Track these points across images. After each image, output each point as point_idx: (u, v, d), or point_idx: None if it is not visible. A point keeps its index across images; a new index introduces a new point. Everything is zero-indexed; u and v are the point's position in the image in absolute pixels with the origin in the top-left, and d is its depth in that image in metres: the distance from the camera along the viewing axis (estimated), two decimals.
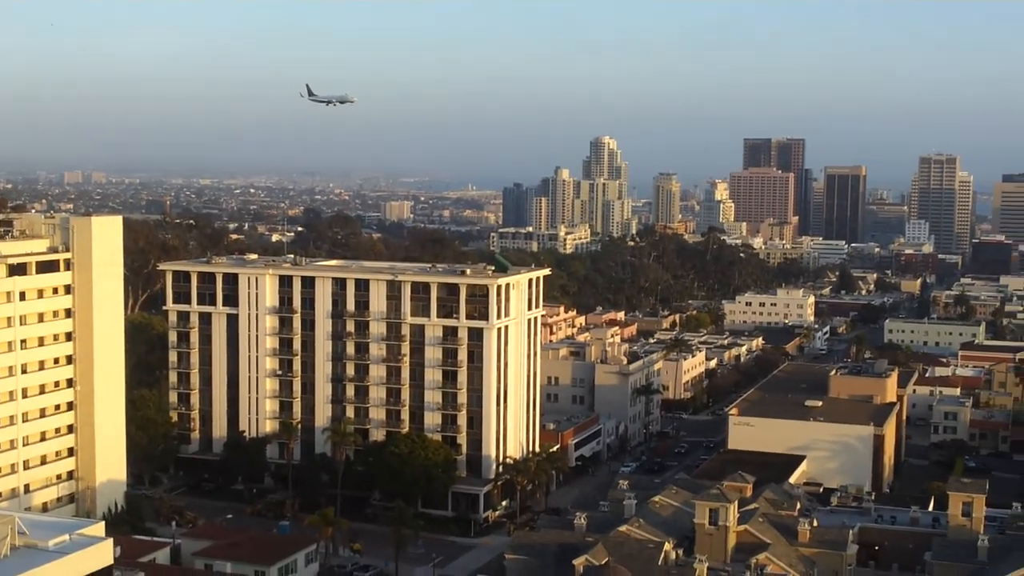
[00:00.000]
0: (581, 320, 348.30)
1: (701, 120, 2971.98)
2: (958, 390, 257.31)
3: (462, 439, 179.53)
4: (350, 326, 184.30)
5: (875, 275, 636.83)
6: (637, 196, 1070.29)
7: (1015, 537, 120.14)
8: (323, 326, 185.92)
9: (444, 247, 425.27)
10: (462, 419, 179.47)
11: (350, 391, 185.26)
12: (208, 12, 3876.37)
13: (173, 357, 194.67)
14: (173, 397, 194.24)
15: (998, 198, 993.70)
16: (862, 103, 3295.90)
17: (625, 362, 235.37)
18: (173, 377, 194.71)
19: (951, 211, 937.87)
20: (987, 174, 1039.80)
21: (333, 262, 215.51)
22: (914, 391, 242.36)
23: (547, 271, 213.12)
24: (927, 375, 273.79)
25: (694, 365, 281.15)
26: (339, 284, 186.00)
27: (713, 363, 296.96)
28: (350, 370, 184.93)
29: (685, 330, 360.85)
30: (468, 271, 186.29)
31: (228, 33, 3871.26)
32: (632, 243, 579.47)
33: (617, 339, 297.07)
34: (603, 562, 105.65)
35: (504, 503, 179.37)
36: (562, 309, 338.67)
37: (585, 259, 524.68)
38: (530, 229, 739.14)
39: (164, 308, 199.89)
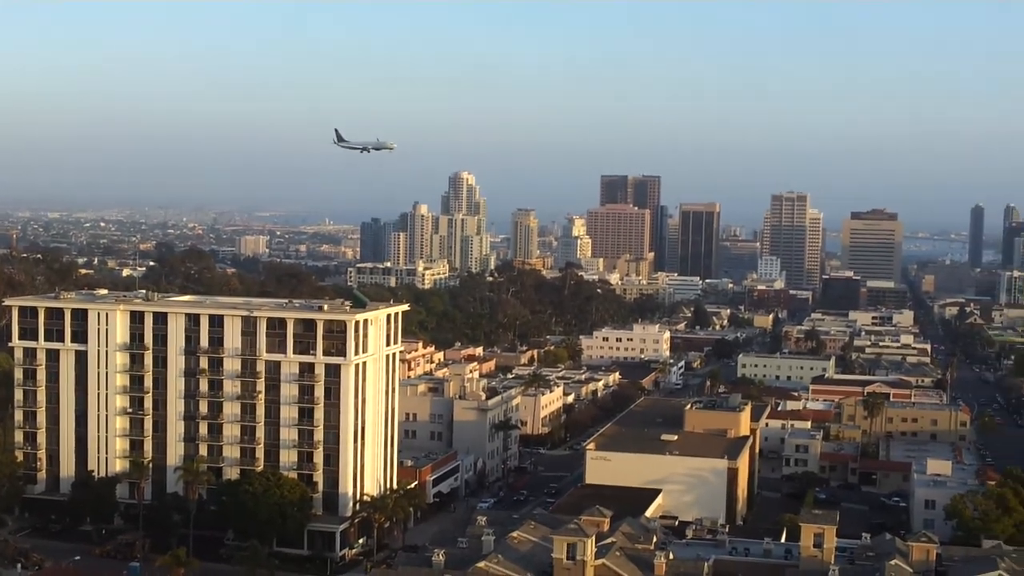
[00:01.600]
0: (439, 356, 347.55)
1: (559, 157, 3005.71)
2: (809, 423, 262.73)
3: (318, 476, 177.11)
4: (204, 362, 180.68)
5: (729, 310, 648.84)
6: (495, 232, 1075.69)
7: (864, 567, 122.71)
8: (176, 363, 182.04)
9: (301, 282, 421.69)
10: (318, 456, 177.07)
11: (203, 429, 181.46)
12: (57, 37, 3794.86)
13: (19, 395, 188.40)
14: (19, 436, 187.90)
15: (847, 235, 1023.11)
16: (716, 142, 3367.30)
17: (483, 398, 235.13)
18: (19, 415, 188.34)
19: (802, 248, 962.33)
20: (836, 212, 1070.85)
21: (186, 297, 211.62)
22: (767, 424, 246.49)
23: (405, 307, 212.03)
24: (779, 409, 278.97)
25: (552, 400, 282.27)
26: (192, 320, 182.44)
27: (571, 398, 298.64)
28: (203, 407, 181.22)
29: (543, 365, 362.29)
30: (325, 307, 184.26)
31: (75, 59, 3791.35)
32: (491, 278, 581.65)
33: (475, 375, 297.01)
34: None
35: (361, 541, 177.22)
36: (420, 345, 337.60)
37: (444, 294, 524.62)
38: (388, 264, 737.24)
39: (10, 345, 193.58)
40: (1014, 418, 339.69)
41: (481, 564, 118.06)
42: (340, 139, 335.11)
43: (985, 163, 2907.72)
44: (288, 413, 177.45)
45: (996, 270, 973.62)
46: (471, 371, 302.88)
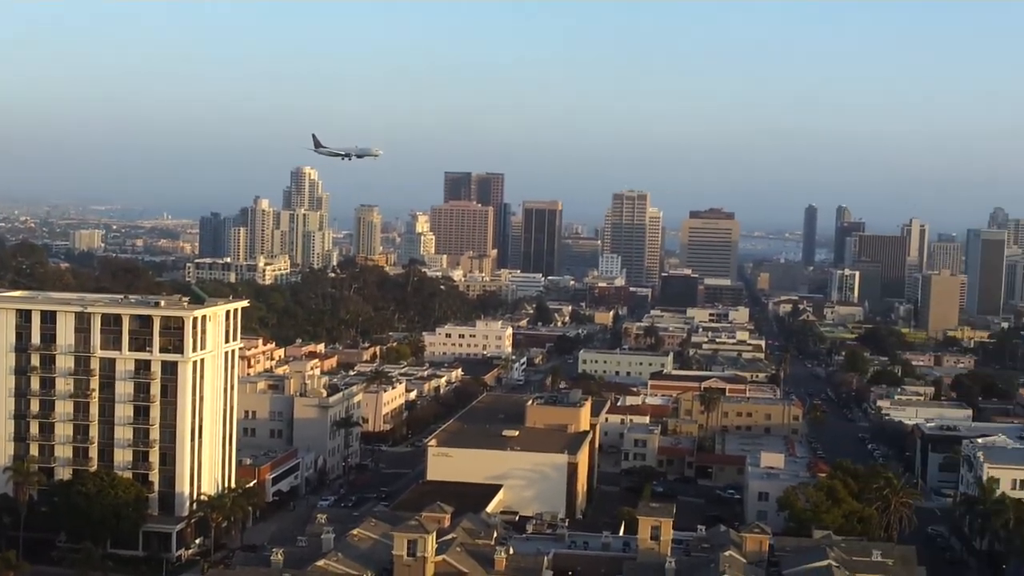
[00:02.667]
0: (280, 353, 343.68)
1: (403, 153, 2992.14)
2: (647, 418, 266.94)
3: (154, 476, 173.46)
4: (35, 360, 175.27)
5: (570, 307, 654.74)
6: (338, 227, 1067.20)
7: (700, 558, 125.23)
8: (5, 360, 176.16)
9: (137, 278, 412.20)
10: (154, 456, 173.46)
11: (34, 428, 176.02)
12: None
13: None
14: None
15: (685, 234, 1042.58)
16: (559, 140, 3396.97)
17: (324, 395, 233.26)
18: None
19: (642, 245, 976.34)
20: (676, 211, 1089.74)
21: (17, 293, 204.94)
22: (606, 420, 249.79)
23: (245, 303, 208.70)
24: (619, 404, 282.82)
25: (394, 397, 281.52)
26: (23, 316, 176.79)
27: (413, 395, 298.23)
28: (35, 406, 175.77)
29: (385, 362, 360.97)
30: (162, 302, 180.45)
31: None
32: (333, 275, 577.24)
33: (317, 372, 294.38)
34: None
35: (198, 541, 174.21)
36: (261, 341, 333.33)
37: (285, 291, 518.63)
38: (228, 260, 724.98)
39: None
40: (844, 412, 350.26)
41: (320, 563, 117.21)
42: (319, 145, 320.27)
43: (819, 164, 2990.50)
44: (123, 411, 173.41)
45: (828, 268, 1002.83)
46: (312, 368, 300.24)
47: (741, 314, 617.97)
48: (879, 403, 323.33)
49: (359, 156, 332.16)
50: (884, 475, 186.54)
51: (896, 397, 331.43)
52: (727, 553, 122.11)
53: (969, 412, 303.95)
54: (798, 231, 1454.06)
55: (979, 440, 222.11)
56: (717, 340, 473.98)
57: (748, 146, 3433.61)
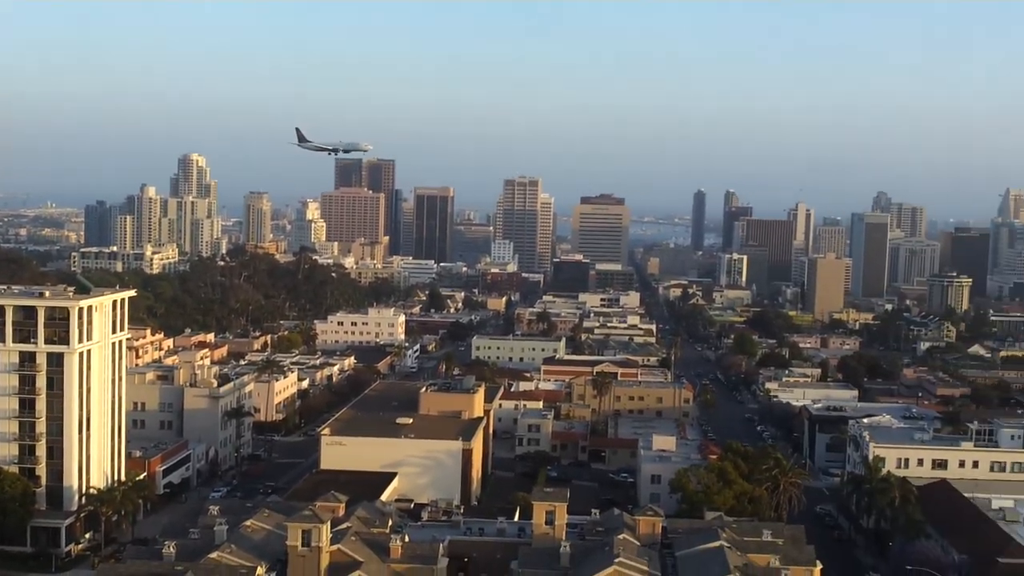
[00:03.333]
0: (169, 343, 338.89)
1: (293, 140, 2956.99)
2: (541, 403, 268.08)
3: (41, 470, 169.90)
4: None
5: (463, 293, 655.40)
6: (227, 215, 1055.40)
7: (594, 542, 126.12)
8: None
9: (21, 267, 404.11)
10: (41, 449, 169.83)
11: None
12: None
13: None
14: None
15: (577, 219, 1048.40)
16: (450, 126, 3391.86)
17: (215, 385, 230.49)
18: None
19: (534, 231, 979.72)
20: (567, 197, 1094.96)
21: None
22: (500, 405, 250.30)
23: (133, 292, 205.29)
24: (512, 390, 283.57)
25: (286, 386, 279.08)
26: None
27: (305, 383, 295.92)
28: None
29: (277, 351, 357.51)
30: (47, 293, 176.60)
31: None
32: (222, 263, 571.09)
33: (207, 362, 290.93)
34: None
35: (88, 535, 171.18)
36: (149, 332, 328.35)
37: (173, 280, 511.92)
38: (114, 249, 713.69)
39: None
40: (733, 394, 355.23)
41: (214, 555, 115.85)
42: (303, 139, 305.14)
43: (708, 150, 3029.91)
44: (8, 404, 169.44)
45: (717, 253, 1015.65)
46: (202, 358, 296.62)
47: (632, 299, 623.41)
48: (767, 385, 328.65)
49: (346, 151, 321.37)
50: (773, 456, 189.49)
51: (784, 379, 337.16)
52: (621, 536, 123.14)
53: (855, 393, 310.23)
54: (687, 216, 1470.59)
55: (865, 420, 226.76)
56: (609, 325, 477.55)
57: (638, 132, 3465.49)
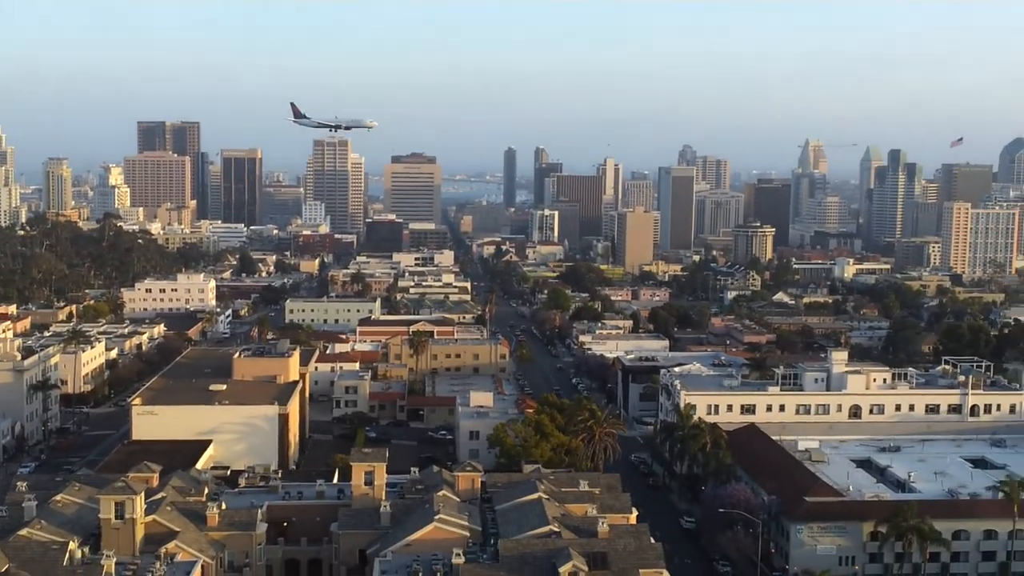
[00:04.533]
0: None
1: (92, 103, 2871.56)
2: (357, 365, 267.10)
3: None
4: None
5: (275, 257, 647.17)
6: (26, 183, 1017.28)
7: (414, 500, 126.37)
8: None
9: None
10: None
11: None
12: None
13: None
14: None
15: (388, 179, 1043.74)
16: (257, 86, 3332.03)
17: (18, 358, 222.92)
18: None
19: (345, 192, 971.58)
20: (378, 156, 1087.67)
21: None
22: (316, 368, 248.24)
23: None
24: (328, 352, 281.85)
25: (94, 357, 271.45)
26: None
27: (114, 353, 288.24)
28: None
29: (83, 321, 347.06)
30: None
31: None
32: (22, 232, 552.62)
33: (9, 334, 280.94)
34: (3, 569, 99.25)
35: None
36: None
37: None
38: None
39: None
40: (548, 349, 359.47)
41: (23, 532, 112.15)
42: (299, 115, 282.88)
43: (517, 107, 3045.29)
44: None
45: (529, 210, 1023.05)
46: (4, 330, 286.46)
47: (446, 257, 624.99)
48: (581, 338, 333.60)
49: (347, 128, 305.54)
50: (588, 407, 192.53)
51: (597, 332, 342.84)
52: (440, 493, 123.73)
53: (666, 343, 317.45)
54: (499, 173, 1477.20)
55: (675, 369, 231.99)
56: (424, 284, 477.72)
57: (448, 90, 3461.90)
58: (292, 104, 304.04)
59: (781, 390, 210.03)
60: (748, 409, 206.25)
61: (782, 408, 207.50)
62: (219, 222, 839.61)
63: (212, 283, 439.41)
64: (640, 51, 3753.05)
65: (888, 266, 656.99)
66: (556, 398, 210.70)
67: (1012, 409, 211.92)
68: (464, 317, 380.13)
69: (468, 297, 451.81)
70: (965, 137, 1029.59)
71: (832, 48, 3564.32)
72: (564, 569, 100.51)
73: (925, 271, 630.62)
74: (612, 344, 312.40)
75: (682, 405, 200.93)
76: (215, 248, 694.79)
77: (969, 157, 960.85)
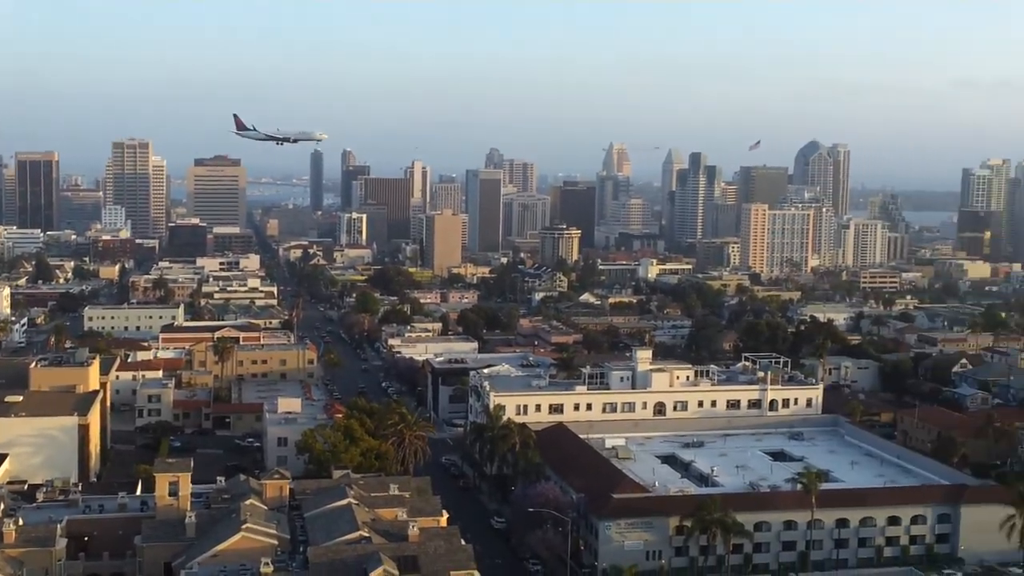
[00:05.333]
0: None
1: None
2: (160, 372, 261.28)
3: None
4: None
5: (73, 263, 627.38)
6: None
7: (220, 510, 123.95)
8: None
9: None
10: None
11: None
12: None
13: None
14: None
15: (191, 182, 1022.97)
16: (56, 88, 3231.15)
17: None
18: None
19: (146, 196, 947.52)
20: (180, 159, 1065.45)
21: None
22: (117, 377, 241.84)
23: None
24: (129, 360, 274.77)
25: None
26: None
27: None
28: None
29: None
30: None
31: None
32: None
33: None
34: None
35: None
36: None
37: None
38: None
39: None
40: (358, 353, 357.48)
41: None
42: (242, 127, 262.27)
43: (324, 110, 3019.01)
44: None
45: (336, 212, 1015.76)
46: None
47: (252, 261, 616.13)
48: (391, 341, 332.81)
49: (294, 141, 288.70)
50: (398, 411, 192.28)
51: (406, 335, 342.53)
52: (248, 502, 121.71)
53: (475, 345, 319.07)
54: (305, 176, 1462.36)
55: (485, 371, 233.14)
56: (229, 289, 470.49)
57: (253, 92, 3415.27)
58: (235, 116, 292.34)
59: (588, 389, 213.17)
60: (556, 409, 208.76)
61: (589, 407, 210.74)
62: (14, 227, 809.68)
63: (7, 291, 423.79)
64: (447, 53, 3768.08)
65: (690, 266, 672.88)
66: (365, 402, 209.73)
67: (809, 403, 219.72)
68: (271, 322, 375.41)
69: (275, 302, 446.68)
70: (763, 141, 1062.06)
71: (635, 54, 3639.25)
72: (375, 574, 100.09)
73: (725, 271, 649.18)
74: (421, 347, 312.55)
75: (491, 406, 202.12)
76: (10, 255, 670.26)
77: (766, 160, 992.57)
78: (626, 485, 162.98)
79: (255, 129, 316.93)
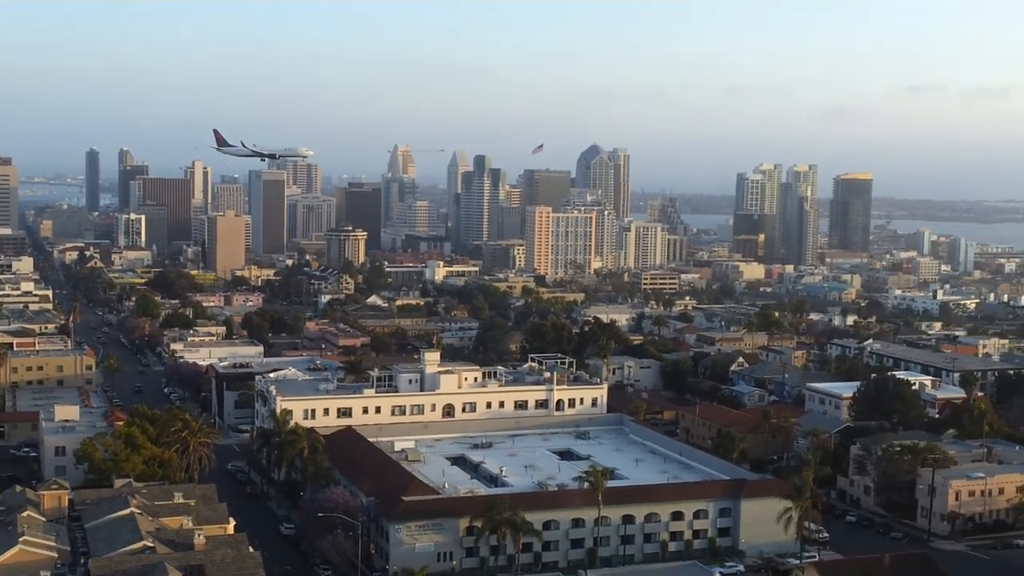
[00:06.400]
0: None
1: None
2: None
3: None
4: None
5: None
6: None
7: None
8: None
9: None
10: None
11: None
12: None
13: None
14: None
15: None
16: None
17: None
18: None
19: None
20: None
21: None
22: None
23: None
24: None
25: None
26: None
27: None
28: None
29: None
30: None
31: None
32: None
33: None
34: None
35: None
36: None
37: None
38: None
39: None
40: (138, 358, 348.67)
41: None
42: (223, 143, 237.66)
43: (98, 107, 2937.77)
44: None
45: (114, 213, 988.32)
46: None
47: (25, 264, 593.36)
48: (173, 346, 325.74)
49: (277, 158, 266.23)
50: (181, 417, 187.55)
51: (189, 339, 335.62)
52: (25, 514, 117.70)
53: (260, 348, 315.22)
54: (80, 176, 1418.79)
55: (271, 375, 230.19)
56: (0, 293, 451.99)
57: (26, 89, 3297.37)
58: (215, 131, 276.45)
59: (377, 392, 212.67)
60: (345, 412, 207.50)
61: (378, 410, 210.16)
62: None
63: None
64: (221, 51, 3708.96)
65: (476, 268, 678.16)
66: (147, 409, 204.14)
67: (594, 402, 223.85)
68: (46, 327, 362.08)
69: (50, 306, 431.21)
70: (545, 144, 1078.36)
71: (417, 56, 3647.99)
72: None
73: (511, 272, 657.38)
74: (205, 351, 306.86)
75: (278, 411, 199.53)
76: None
77: (549, 163, 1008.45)
78: (416, 487, 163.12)
79: (242, 145, 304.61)
